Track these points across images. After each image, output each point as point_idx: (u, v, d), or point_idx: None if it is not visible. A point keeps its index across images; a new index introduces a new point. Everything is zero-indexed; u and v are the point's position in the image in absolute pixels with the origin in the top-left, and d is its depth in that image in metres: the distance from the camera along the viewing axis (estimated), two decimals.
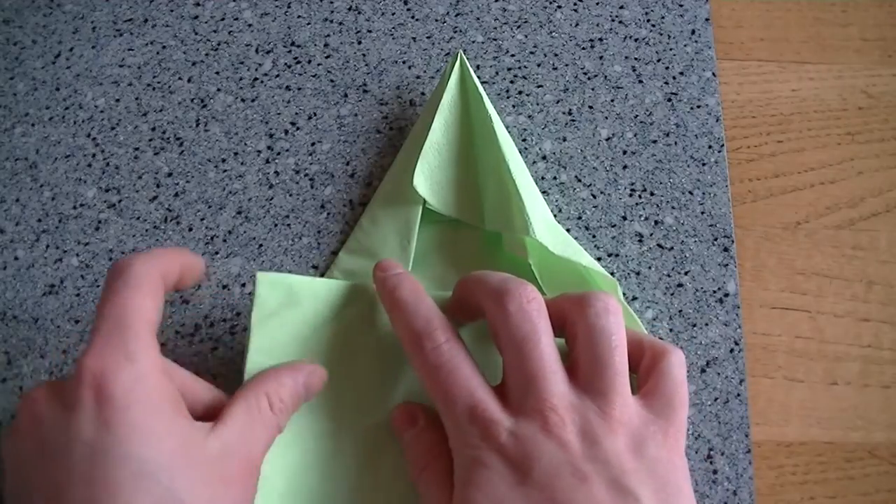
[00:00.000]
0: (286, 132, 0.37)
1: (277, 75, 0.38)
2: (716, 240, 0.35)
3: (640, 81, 0.38)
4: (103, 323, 0.24)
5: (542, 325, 0.25)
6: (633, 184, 0.36)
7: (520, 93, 0.38)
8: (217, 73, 0.38)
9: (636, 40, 0.39)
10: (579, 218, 0.35)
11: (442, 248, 0.34)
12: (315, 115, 0.37)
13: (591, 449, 0.23)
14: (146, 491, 0.22)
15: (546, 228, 0.31)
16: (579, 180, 0.36)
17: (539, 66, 0.38)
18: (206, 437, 0.24)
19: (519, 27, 0.39)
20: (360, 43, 0.39)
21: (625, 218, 0.35)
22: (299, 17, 0.40)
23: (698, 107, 0.37)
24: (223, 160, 0.36)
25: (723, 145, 0.36)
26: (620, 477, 0.23)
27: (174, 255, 0.27)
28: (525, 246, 0.32)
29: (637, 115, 0.37)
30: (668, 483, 0.24)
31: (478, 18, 0.39)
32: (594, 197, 0.35)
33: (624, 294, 0.33)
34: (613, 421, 0.24)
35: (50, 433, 0.23)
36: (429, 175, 0.33)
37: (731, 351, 0.33)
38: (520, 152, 0.35)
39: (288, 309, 0.29)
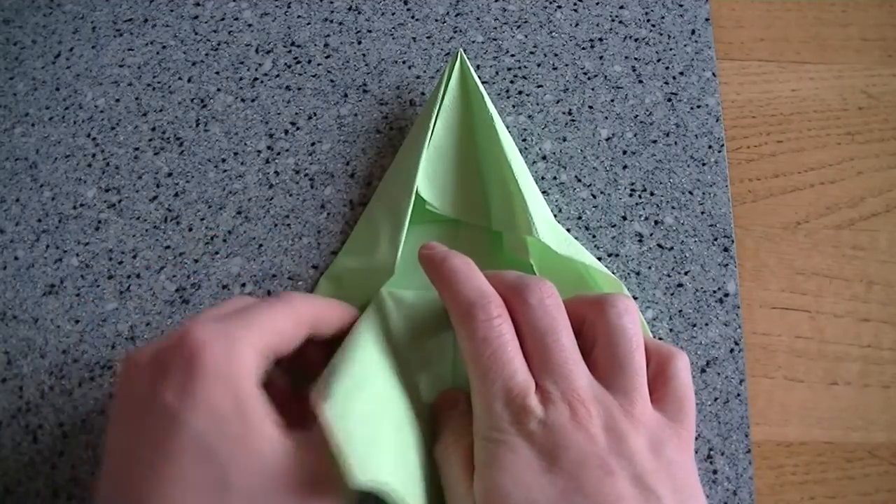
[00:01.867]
0: (286, 132, 0.37)
1: (277, 75, 0.38)
2: (716, 240, 0.35)
3: (640, 81, 0.38)
4: (234, 312, 0.25)
5: (562, 320, 0.26)
6: (633, 184, 0.36)
7: (520, 93, 0.38)
8: (217, 73, 0.38)
9: (636, 40, 0.39)
10: (579, 218, 0.35)
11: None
12: (315, 115, 0.37)
13: (616, 444, 0.24)
14: (201, 466, 0.22)
15: (548, 228, 0.31)
16: (579, 180, 0.36)
17: (539, 66, 0.38)
18: (280, 439, 0.23)
19: (519, 27, 0.39)
20: (360, 43, 0.39)
21: (625, 218, 0.35)
22: (299, 17, 0.40)
23: (698, 107, 0.37)
24: (223, 160, 0.36)
25: (723, 145, 0.36)
26: (643, 475, 0.23)
27: (333, 308, 0.28)
28: (526, 246, 0.32)
29: (637, 115, 0.37)
30: (685, 485, 0.24)
31: (478, 18, 0.39)
32: (594, 197, 0.35)
33: None
34: (635, 419, 0.24)
35: (139, 394, 0.23)
36: (432, 177, 0.33)
37: (731, 351, 0.33)
38: (520, 152, 0.35)
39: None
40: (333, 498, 0.23)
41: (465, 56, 0.35)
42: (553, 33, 0.39)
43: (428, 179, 0.33)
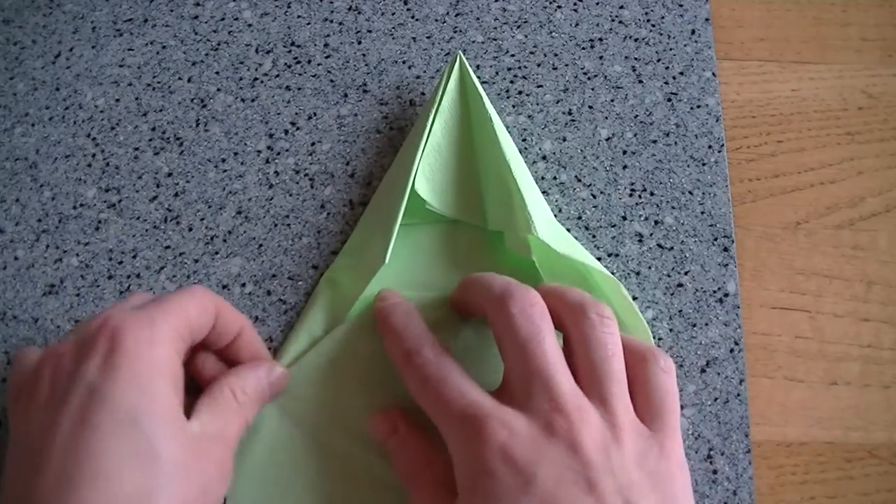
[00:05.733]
0: (286, 132, 0.37)
1: (277, 75, 0.38)
2: (716, 240, 0.35)
3: (640, 81, 0.38)
4: (146, 303, 0.26)
5: (546, 327, 0.25)
6: (633, 184, 0.36)
7: (520, 93, 0.38)
8: (217, 73, 0.38)
9: (636, 40, 0.39)
10: (579, 218, 0.35)
11: (441, 248, 0.34)
12: (315, 115, 0.37)
13: (599, 455, 0.23)
14: (127, 436, 0.22)
15: (548, 226, 0.31)
16: (579, 180, 0.36)
17: (539, 66, 0.38)
18: (187, 421, 0.25)
19: (519, 27, 0.39)
20: (360, 43, 0.39)
21: (625, 218, 0.35)
22: (299, 17, 0.40)
23: (698, 107, 0.37)
24: (223, 160, 0.36)
25: (723, 145, 0.36)
26: (627, 488, 0.22)
27: (231, 307, 0.29)
28: (528, 244, 0.32)
29: (637, 115, 0.37)
30: (671, 496, 0.23)
31: (478, 18, 0.39)
32: (594, 197, 0.35)
33: None
34: (617, 429, 0.24)
35: (61, 378, 0.24)
36: (430, 177, 0.33)
37: (731, 351, 0.33)
38: (520, 152, 0.35)
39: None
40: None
41: (464, 58, 0.35)
42: (553, 33, 0.39)
43: (426, 179, 0.33)
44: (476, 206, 0.33)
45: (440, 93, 0.34)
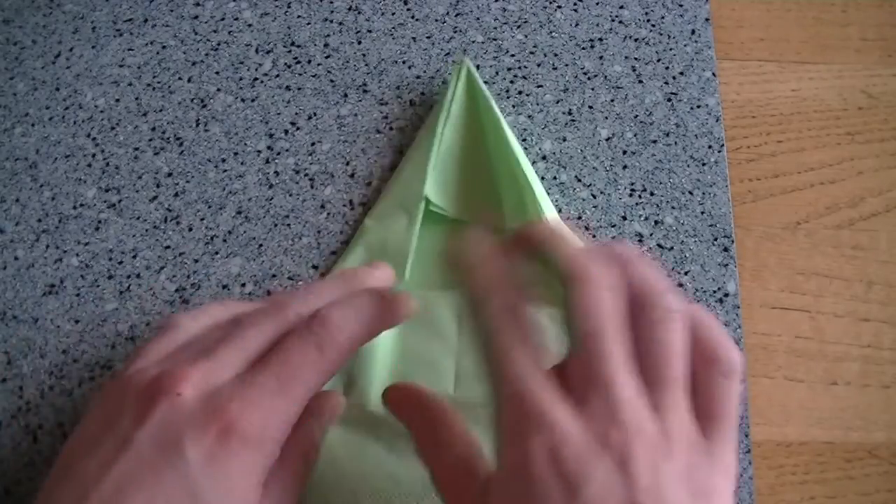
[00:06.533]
0: (286, 132, 0.37)
1: (277, 75, 0.38)
2: (716, 240, 0.35)
3: (640, 81, 0.38)
4: (266, 369, 0.24)
5: (616, 321, 0.23)
6: (633, 184, 0.36)
7: (520, 93, 0.38)
8: (217, 73, 0.38)
9: (636, 40, 0.39)
10: (579, 218, 0.35)
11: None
12: (315, 115, 0.37)
13: (647, 472, 0.21)
14: None
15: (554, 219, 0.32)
16: (579, 180, 0.36)
17: (539, 66, 0.38)
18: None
19: (519, 27, 0.39)
20: (360, 43, 0.39)
21: (625, 218, 0.35)
22: (299, 17, 0.40)
23: (698, 107, 0.37)
24: (223, 160, 0.36)
25: (723, 145, 0.36)
26: None
27: (368, 324, 0.26)
28: None
29: (637, 115, 0.37)
30: None
31: (478, 18, 0.39)
32: (594, 197, 0.35)
33: None
34: (671, 441, 0.22)
35: (167, 437, 0.22)
36: (442, 183, 0.34)
37: None
38: None
39: None
40: None
41: (471, 65, 0.35)
42: (553, 33, 0.39)
43: (437, 185, 0.33)
44: (486, 209, 0.34)
45: (449, 99, 0.34)
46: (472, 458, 0.24)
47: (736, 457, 0.24)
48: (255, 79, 0.38)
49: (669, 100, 0.37)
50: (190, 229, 0.35)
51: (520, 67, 0.38)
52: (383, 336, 0.30)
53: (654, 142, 0.36)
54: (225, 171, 0.36)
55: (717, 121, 0.37)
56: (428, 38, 0.39)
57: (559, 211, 0.35)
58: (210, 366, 0.24)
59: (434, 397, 0.27)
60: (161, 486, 0.22)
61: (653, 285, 0.24)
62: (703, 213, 0.35)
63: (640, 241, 0.35)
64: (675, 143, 0.36)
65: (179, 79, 0.38)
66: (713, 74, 0.38)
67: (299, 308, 0.26)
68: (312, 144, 0.37)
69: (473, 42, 0.39)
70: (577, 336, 0.23)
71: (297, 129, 0.37)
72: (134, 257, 0.35)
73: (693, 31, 0.39)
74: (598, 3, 0.40)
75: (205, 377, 0.23)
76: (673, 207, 0.35)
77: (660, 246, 0.35)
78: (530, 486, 0.22)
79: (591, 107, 0.37)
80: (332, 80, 0.38)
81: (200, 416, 0.22)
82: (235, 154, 0.37)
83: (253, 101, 0.38)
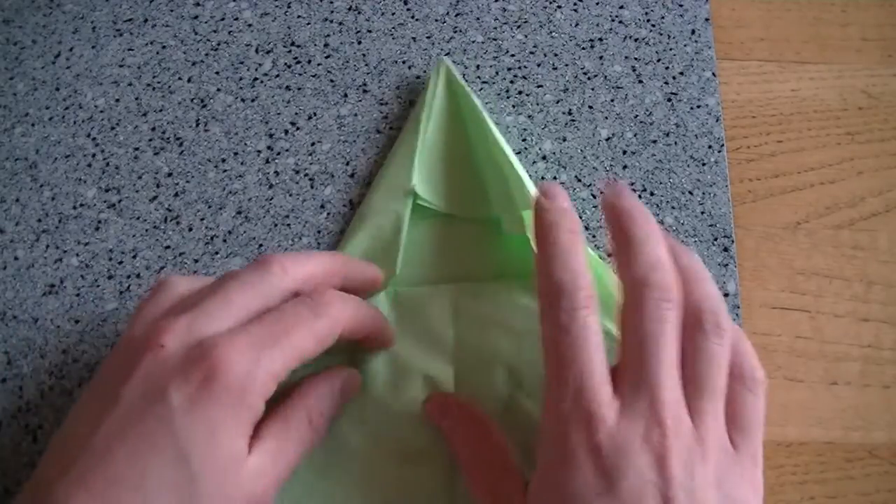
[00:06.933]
0: (286, 132, 0.37)
1: (277, 75, 0.38)
2: (716, 240, 0.35)
3: (640, 81, 0.38)
4: (268, 328, 0.24)
5: (670, 328, 0.24)
6: (633, 184, 0.36)
7: (520, 93, 0.38)
8: (217, 73, 0.38)
9: (636, 40, 0.39)
10: (579, 218, 0.35)
11: (437, 243, 0.34)
12: (315, 115, 0.37)
13: (682, 472, 0.22)
14: (176, 464, 0.22)
15: None
16: (579, 180, 0.36)
17: (539, 66, 0.38)
18: (247, 457, 0.24)
19: (519, 27, 0.39)
20: (360, 43, 0.39)
21: None
22: (299, 17, 0.40)
23: (698, 107, 0.37)
24: (223, 160, 0.36)
25: (723, 145, 0.36)
26: None
27: (369, 314, 0.27)
28: (523, 222, 0.32)
29: (637, 115, 0.37)
30: None
31: (478, 18, 0.39)
32: (594, 197, 0.35)
33: None
34: (706, 446, 0.23)
35: (150, 387, 0.23)
36: (428, 177, 0.34)
37: None
38: (520, 152, 0.36)
39: None
40: None
41: (450, 63, 0.36)
42: (553, 33, 0.39)
43: (425, 180, 0.33)
44: (475, 199, 0.34)
45: (428, 97, 0.35)
46: (513, 464, 0.25)
47: (761, 473, 0.24)
48: (255, 79, 0.38)
49: (669, 100, 0.37)
50: (190, 229, 0.35)
51: (520, 67, 0.38)
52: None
53: (654, 142, 0.36)
54: (225, 171, 0.36)
55: (717, 121, 0.37)
56: (428, 38, 0.39)
57: None
58: (194, 316, 0.24)
59: (472, 405, 0.28)
60: (146, 434, 0.22)
61: (711, 302, 0.25)
62: (703, 213, 0.35)
63: None
64: (675, 143, 0.36)
65: (179, 79, 0.38)
66: (713, 74, 0.38)
67: (292, 269, 0.26)
68: (312, 144, 0.37)
69: (473, 42, 0.39)
70: (632, 336, 0.24)
71: (297, 129, 0.37)
72: (134, 257, 0.35)
73: (693, 31, 0.39)
74: (598, 3, 0.40)
75: (189, 328, 0.24)
76: (673, 207, 0.35)
77: None
78: (570, 479, 0.22)
79: (591, 107, 0.37)
80: (332, 80, 0.38)
81: (185, 364, 0.23)
82: (235, 154, 0.37)
83: (253, 101, 0.38)
